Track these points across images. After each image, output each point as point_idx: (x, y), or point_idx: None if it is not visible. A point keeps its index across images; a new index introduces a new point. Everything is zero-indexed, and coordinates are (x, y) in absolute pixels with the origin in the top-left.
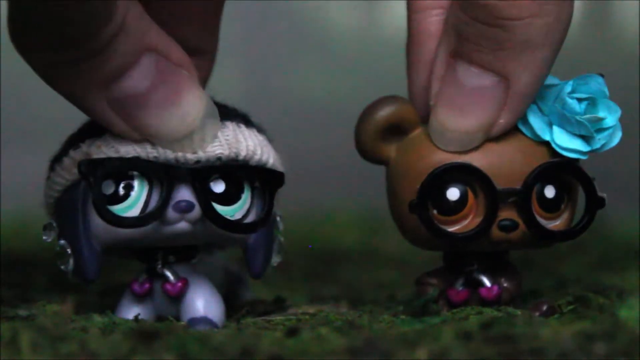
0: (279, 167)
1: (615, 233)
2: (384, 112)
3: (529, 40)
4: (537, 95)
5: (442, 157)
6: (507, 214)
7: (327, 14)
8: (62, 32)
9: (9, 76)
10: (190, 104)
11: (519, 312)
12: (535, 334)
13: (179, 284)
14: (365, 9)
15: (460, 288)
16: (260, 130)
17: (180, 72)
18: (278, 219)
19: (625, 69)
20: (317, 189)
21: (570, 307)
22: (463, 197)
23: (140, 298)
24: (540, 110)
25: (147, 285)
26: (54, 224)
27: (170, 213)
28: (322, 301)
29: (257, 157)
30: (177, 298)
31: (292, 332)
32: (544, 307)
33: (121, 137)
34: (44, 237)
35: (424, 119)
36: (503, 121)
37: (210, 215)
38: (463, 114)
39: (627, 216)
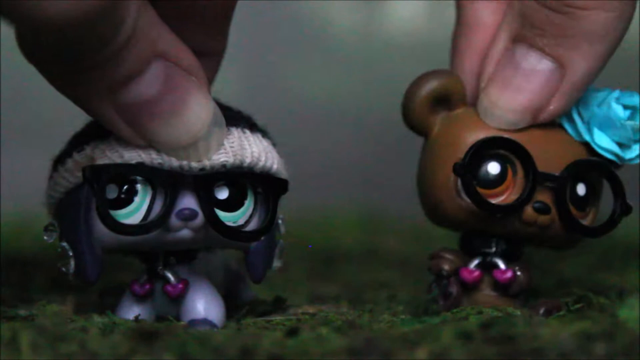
0: (283, 173)
1: (615, 233)
2: (438, 82)
3: (593, 32)
4: (580, 99)
5: (488, 134)
6: (541, 197)
7: (327, 14)
8: (73, 45)
9: (9, 76)
10: (197, 112)
11: (518, 312)
12: (535, 334)
13: (180, 285)
14: (365, 9)
15: (474, 268)
16: (265, 135)
17: (189, 78)
18: (280, 222)
19: (625, 69)
20: (317, 189)
21: (577, 305)
22: (503, 173)
23: (140, 299)
24: (580, 115)
25: (147, 286)
26: (56, 225)
27: (174, 221)
28: (322, 301)
29: (261, 163)
30: (178, 299)
31: (292, 332)
32: (546, 307)
33: (126, 142)
34: (45, 238)
35: (470, 104)
36: (552, 107)
37: (213, 223)
38: (515, 93)
39: (627, 216)
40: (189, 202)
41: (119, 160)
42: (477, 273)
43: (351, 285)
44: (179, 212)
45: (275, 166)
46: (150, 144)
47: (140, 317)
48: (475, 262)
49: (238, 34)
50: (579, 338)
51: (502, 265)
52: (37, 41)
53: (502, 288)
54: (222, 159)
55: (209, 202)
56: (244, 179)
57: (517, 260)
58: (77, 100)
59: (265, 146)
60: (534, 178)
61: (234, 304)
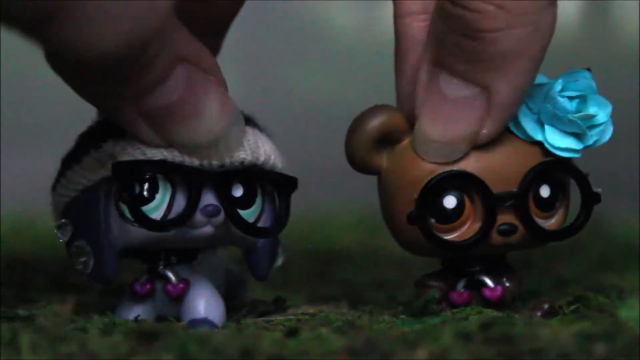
0: (287, 171)
1: (615, 233)
2: (375, 122)
3: (506, 52)
4: (535, 93)
5: (435, 166)
6: (505, 217)
7: (327, 14)
8: (110, 69)
9: (9, 76)
10: (217, 112)
11: (517, 314)
12: (535, 334)
13: (181, 285)
14: (366, 9)
15: (462, 290)
16: (268, 135)
17: (209, 79)
18: None
19: (625, 69)
20: (317, 190)
21: (572, 307)
22: (460, 205)
23: (141, 298)
24: (529, 109)
25: (148, 286)
26: (68, 224)
27: (198, 217)
28: (322, 301)
29: (271, 161)
30: (178, 299)
31: (292, 332)
32: (545, 307)
33: None
34: (59, 237)
35: (412, 124)
36: (486, 131)
37: (234, 219)
38: (446, 125)
39: (627, 216)
40: (210, 199)
41: (142, 157)
42: (466, 294)
43: (351, 285)
44: (204, 208)
45: (280, 165)
46: (171, 145)
47: (140, 317)
48: (462, 283)
49: (238, 35)
50: (578, 338)
51: (490, 283)
52: (73, 67)
53: (495, 304)
54: (241, 156)
55: (228, 199)
56: (258, 177)
57: (503, 269)
58: (99, 106)
59: (271, 144)
60: (492, 203)
61: (234, 305)
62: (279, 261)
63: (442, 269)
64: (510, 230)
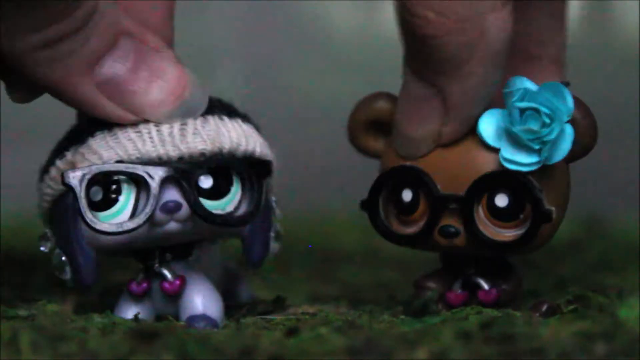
0: (268, 155)
1: (615, 233)
2: (367, 107)
3: (451, 57)
4: (505, 99)
5: (400, 160)
6: (449, 220)
7: (328, 14)
8: (35, 12)
9: None
10: (175, 75)
11: (518, 313)
12: (535, 333)
13: (177, 282)
14: (366, 9)
15: (459, 291)
16: (245, 119)
17: (159, 52)
18: (274, 204)
19: (625, 69)
20: (318, 189)
21: (571, 306)
22: (415, 200)
23: (138, 298)
24: (508, 115)
25: (144, 285)
26: (49, 234)
27: (158, 215)
28: (322, 301)
29: (242, 148)
30: (176, 296)
31: (292, 331)
32: (544, 307)
33: (103, 142)
34: (41, 248)
35: None
36: (448, 129)
37: (199, 212)
38: (410, 121)
39: (627, 216)
40: (172, 194)
41: (98, 162)
42: (462, 296)
43: (351, 286)
44: (163, 205)
45: (258, 149)
46: (139, 116)
47: (139, 317)
48: (459, 284)
49: (238, 34)
50: (578, 338)
51: (485, 286)
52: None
53: (490, 307)
54: (199, 147)
55: (192, 192)
56: (227, 165)
57: (500, 270)
58: (54, 85)
59: (245, 130)
60: (435, 203)
61: (233, 304)
62: (275, 247)
63: (441, 269)
64: (451, 233)
